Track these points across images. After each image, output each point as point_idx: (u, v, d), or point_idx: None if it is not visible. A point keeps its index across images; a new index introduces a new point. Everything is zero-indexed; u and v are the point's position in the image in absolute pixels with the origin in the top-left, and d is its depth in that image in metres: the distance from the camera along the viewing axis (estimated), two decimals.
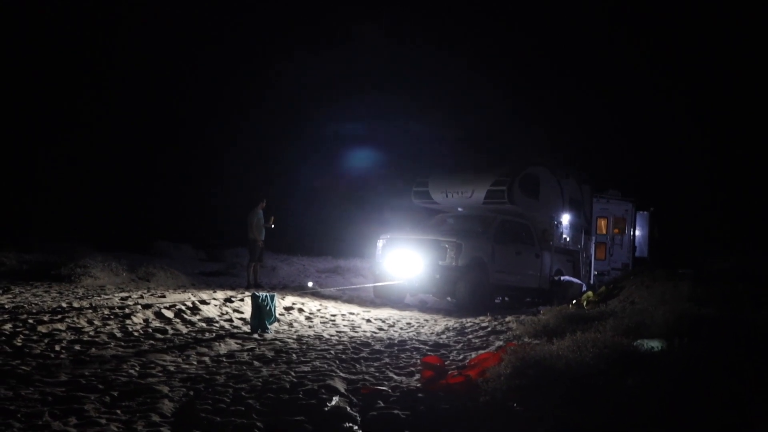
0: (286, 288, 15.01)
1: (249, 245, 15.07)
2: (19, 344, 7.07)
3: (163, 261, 19.21)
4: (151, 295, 11.44)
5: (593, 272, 19.01)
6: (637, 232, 21.08)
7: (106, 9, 34.35)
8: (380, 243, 14.34)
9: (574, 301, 11.18)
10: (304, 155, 35.59)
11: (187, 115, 34.83)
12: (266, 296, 9.11)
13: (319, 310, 11.55)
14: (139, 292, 11.80)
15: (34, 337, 7.45)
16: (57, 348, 7.01)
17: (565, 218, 17.04)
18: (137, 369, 6.27)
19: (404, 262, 13.53)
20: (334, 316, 11.11)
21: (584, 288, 15.98)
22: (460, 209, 16.07)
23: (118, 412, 4.91)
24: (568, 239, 17.24)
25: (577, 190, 17.96)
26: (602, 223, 20.89)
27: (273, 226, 15.24)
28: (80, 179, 29.53)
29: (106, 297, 11.00)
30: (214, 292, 12.38)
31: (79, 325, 8.15)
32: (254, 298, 9.00)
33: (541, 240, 15.79)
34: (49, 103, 30.92)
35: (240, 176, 31.81)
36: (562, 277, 16.02)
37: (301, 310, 11.16)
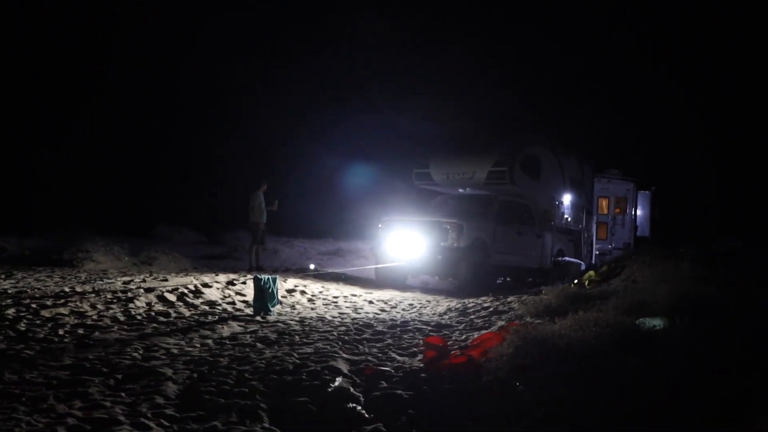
0: (288, 270, 15.04)
1: (251, 228, 15.08)
2: (23, 329, 7.10)
3: (165, 245, 19.20)
4: (154, 278, 11.49)
5: (595, 252, 19.06)
6: (639, 212, 21.08)
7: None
8: (381, 225, 14.35)
9: (575, 281, 11.20)
10: (304, 139, 35.54)
11: (190, 101, 34.72)
12: (268, 279, 9.13)
13: (321, 292, 11.57)
14: (142, 276, 11.85)
15: (38, 322, 7.46)
16: (60, 332, 7.03)
17: (567, 198, 17.04)
18: (141, 352, 6.29)
19: (406, 243, 13.53)
20: (336, 297, 11.13)
21: (583, 266, 16.05)
22: (461, 190, 16.06)
23: (123, 394, 4.93)
24: (569, 219, 17.25)
25: (578, 169, 17.96)
26: (603, 202, 20.90)
27: (277, 209, 15.24)
28: (80, 165, 29.47)
29: (109, 281, 11.04)
30: (216, 275, 12.39)
31: (82, 310, 8.16)
32: (256, 280, 9.02)
33: (542, 220, 15.79)
34: (50, 90, 30.80)
35: (240, 160, 31.77)
36: (562, 258, 16.06)
37: (303, 293, 11.17)
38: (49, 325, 7.35)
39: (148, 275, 12.16)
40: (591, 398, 4.52)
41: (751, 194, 30.02)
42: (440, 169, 16.06)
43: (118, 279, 11.34)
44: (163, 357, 6.15)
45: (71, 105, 31.22)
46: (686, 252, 10.76)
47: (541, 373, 4.99)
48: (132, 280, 11.06)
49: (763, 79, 34.97)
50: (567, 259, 16.10)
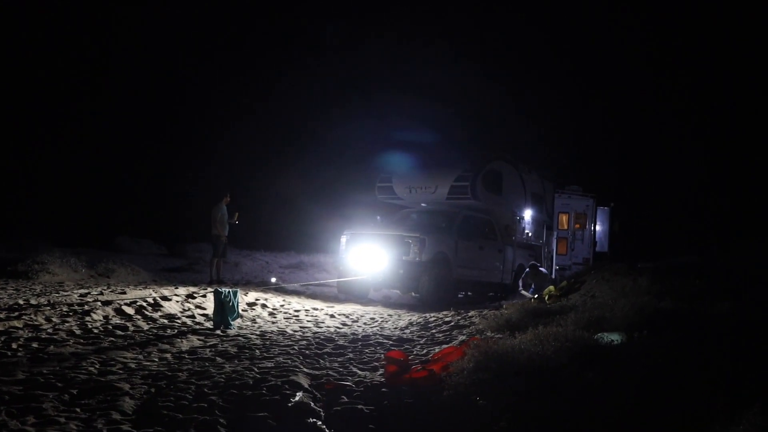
0: (250, 284, 14.93)
1: (212, 241, 14.89)
2: None
3: (124, 257, 18.93)
4: (111, 291, 11.27)
5: (555, 267, 19.25)
6: (598, 228, 21.38)
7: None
8: (344, 238, 14.33)
9: (536, 296, 11.31)
10: (266, 152, 35.47)
11: (149, 114, 34.47)
12: (229, 292, 9.04)
13: (282, 305, 11.51)
14: (99, 289, 11.63)
15: None
16: (14, 346, 6.86)
17: (528, 213, 17.22)
18: (97, 366, 6.17)
19: (368, 257, 13.54)
20: (297, 311, 11.07)
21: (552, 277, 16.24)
22: (423, 205, 16.13)
23: (78, 410, 4.83)
24: (530, 234, 17.43)
25: (540, 185, 18.18)
26: (564, 218, 21.15)
27: (237, 222, 15.08)
28: (39, 174, 29.00)
29: (65, 293, 10.82)
30: (176, 288, 12.23)
31: (36, 323, 7.99)
32: (217, 294, 8.92)
33: (503, 235, 15.93)
34: (10, 99, 30.27)
35: (202, 172, 31.60)
36: (539, 267, 16.07)
37: (264, 306, 11.11)
38: (2, 338, 7.16)
39: (105, 288, 11.94)
40: (551, 412, 4.55)
41: (707, 209, 30.71)
42: (403, 183, 16.14)
43: (75, 291, 11.11)
44: (120, 371, 6.04)
45: (31, 115, 30.75)
46: (644, 267, 10.95)
47: (502, 387, 5.01)
48: (89, 293, 10.84)
49: (721, 95, 35.86)
50: (542, 269, 16.16)
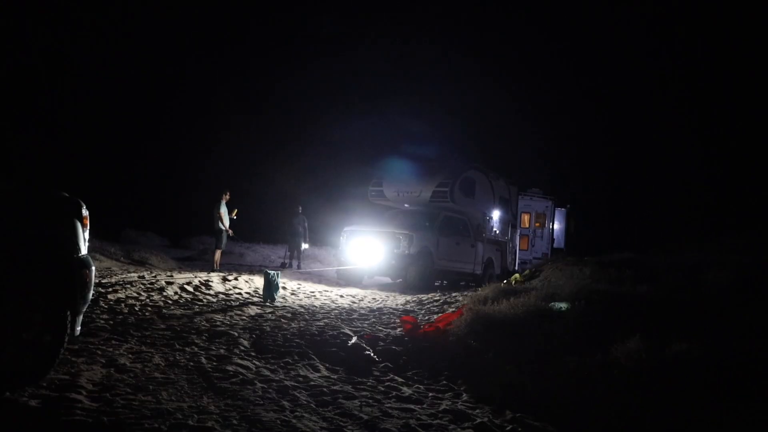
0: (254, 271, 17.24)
1: (215, 234, 16.59)
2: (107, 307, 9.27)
3: (136, 248, 20.97)
4: (158, 275, 13.48)
5: (518, 261, 22.05)
6: (556, 226, 24.11)
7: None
8: (344, 234, 16.97)
9: (505, 281, 14.08)
10: (268, 149, 37.21)
11: (151, 113, 35.89)
12: (275, 273, 11.60)
13: (299, 287, 14.01)
14: (153, 273, 13.80)
15: (105, 305, 9.51)
16: (137, 308, 9.17)
17: (496, 214, 19.95)
18: (205, 323, 8.63)
19: (365, 249, 16.19)
20: (312, 292, 13.57)
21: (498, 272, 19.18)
22: (406, 206, 18.77)
23: (214, 346, 7.37)
24: (497, 232, 20.18)
25: (506, 189, 20.91)
26: (526, 217, 23.85)
27: (236, 217, 16.90)
28: (47, 166, 30.47)
29: (130, 276, 13.00)
30: (209, 273, 14.59)
31: (134, 295, 10.28)
32: (266, 274, 11.46)
33: (476, 232, 18.68)
34: (15, 92, 31.63)
35: (202, 168, 33.21)
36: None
37: (284, 288, 13.54)
38: (122, 305, 9.31)
39: (148, 272, 14.12)
40: (519, 348, 7.30)
41: (652, 212, 33.87)
42: (392, 188, 18.71)
43: (132, 274, 13.33)
44: (224, 326, 8.57)
45: (34, 113, 32.18)
46: (589, 260, 13.75)
47: (488, 334, 7.76)
48: (144, 276, 13.00)
49: (668, 103, 38.92)
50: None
